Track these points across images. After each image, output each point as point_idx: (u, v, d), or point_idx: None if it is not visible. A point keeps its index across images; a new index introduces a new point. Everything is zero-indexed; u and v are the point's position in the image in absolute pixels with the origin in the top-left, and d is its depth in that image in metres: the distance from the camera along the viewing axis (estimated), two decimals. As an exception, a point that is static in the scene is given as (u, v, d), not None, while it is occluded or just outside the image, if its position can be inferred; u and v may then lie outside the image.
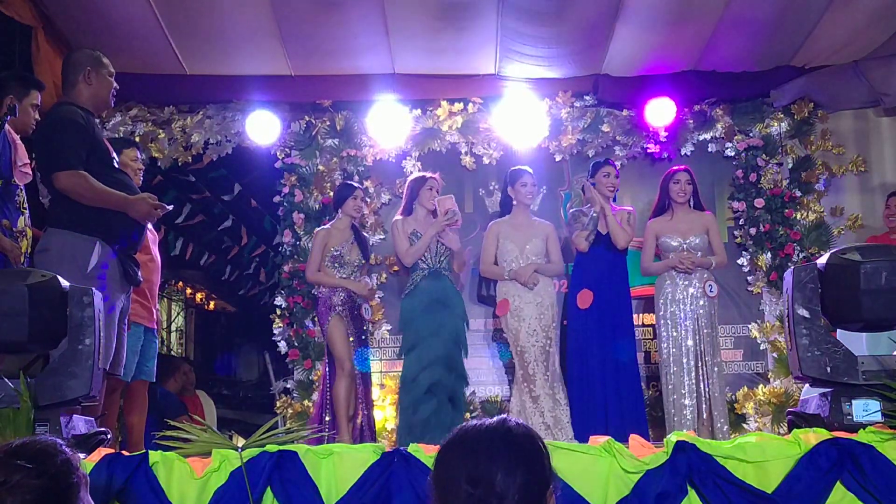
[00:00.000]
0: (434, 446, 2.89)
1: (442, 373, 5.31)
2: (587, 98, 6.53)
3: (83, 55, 4.04)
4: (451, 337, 5.44)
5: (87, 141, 3.81)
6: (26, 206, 4.09)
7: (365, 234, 6.05)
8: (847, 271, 3.09)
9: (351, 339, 5.40)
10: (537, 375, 5.38)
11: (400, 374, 5.70)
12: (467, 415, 5.73)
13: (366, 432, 5.40)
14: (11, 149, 3.95)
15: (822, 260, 3.22)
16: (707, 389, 5.33)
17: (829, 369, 3.09)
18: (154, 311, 4.97)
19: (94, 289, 3.19)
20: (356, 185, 5.82)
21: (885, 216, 5.87)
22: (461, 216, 5.61)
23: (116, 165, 4.05)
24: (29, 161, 4.18)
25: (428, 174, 5.79)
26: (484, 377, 6.39)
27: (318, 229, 5.72)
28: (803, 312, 3.13)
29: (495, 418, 1.63)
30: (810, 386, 3.26)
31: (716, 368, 5.36)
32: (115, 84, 4.10)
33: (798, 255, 6.22)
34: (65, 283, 3.14)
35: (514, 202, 5.71)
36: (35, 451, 1.74)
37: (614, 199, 5.70)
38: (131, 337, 4.39)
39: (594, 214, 5.53)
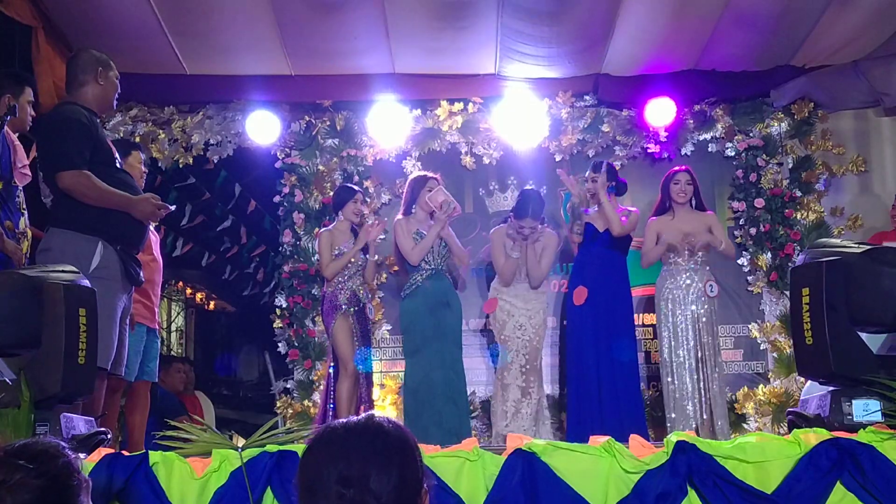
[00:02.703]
0: (434, 446, 2.89)
1: (445, 375, 5.31)
2: (587, 98, 6.52)
3: (92, 55, 4.02)
4: (453, 338, 5.45)
5: (90, 140, 3.80)
6: (25, 206, 4.09)
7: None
8: (891, 277, 3.06)
9: (356, 338, 5.40)
10: (514, 365, 5.44)
11: (400, 374, 5.70)
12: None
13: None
14: (11, 150, 3.95)
15: (850, 258, 3.15)
16: (707, 389, 5.32)
17: (858, 367, 3.06)
18: (156, 311, 4.97)
19: (66, 284, 3.10)
20: (356, 188, 5.81)
21: (892, 215, 5.86)
22: (457, 204, 5.60)
23: (119, 165, 4.04)
24: (28, 162, 4.18)
25: (428, 174, 5.76)
26: (484, 377, 6.39)
27: (321, 231, 5.72)
28: (835, 308, 3.08)
29: (362, 416, 1.54)
30: (821, 384, 3.23)
31: (716, 368, 5.36)
32: (119, 87, 4.10)
33: (798, 256, 6.21)
34: (46, 280, 3.07)
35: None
36: (36, 452, 1.74)
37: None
38: (134, 337, 4.38)
39: (575, 202, 5.58)
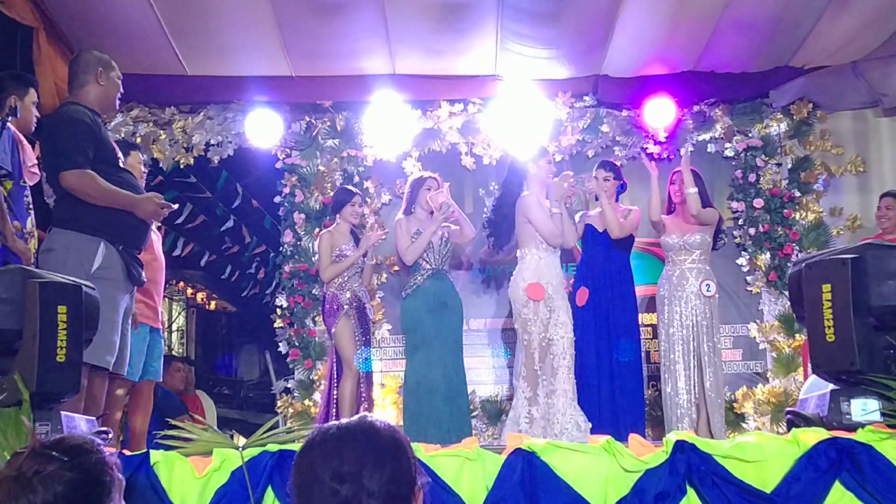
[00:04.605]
0: (434, 446, 2.90)
1: (446, 375, 5.32)
2: (587, 98, 6.54)
3: (94, 56, 4.03)
4: (453, 338, 5.46)
5: (93, 140, 3.80)
6: (32, 206, 4.10)
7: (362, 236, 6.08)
8: None
9: (357, 337, 5.43)
10: (561, 369, 5.13)
11: (401, 373, 5.71)
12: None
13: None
14: (19, 149, 3.96)
15: (862, 250, 3.13)
16: (704, 389, 5.33)
17: (878, 364, 3.05)
18: (159, 311, 4.98)
19: (42, 282, 3.01)
20: (354, 190, 5.84)
21: (877, 217, 5.85)
22: (456, 207, 5.59)
23: (122, 165, 4.05)
24: (36, 161, 4.19)
25: (426, 174, 5.78)
26: (484, 377, 6.41)
27: (321, 232, 5.74)
28: (858, 304, 3.07)
29: (355, 417, 1.57)
30: (837, 383, 3.24)
31: (711, 368, 5.36)
32: (121, 88, 4.11)
33: (797, 256, 6.23)
34: (31, 277, 3.05)
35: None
36: (71, 446, 1.77)
37: (617, 199, 5.72)
38: (137, 337, 4.38)
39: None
